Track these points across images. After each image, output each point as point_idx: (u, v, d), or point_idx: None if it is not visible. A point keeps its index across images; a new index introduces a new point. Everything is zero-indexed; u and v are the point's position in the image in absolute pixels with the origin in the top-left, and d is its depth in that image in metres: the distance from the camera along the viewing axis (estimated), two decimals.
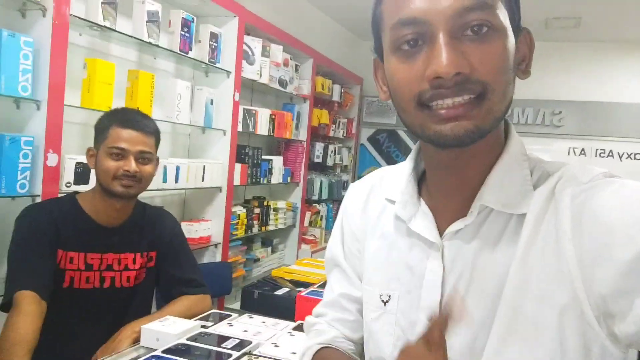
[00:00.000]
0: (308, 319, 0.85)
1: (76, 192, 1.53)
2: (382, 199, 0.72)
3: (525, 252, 0.55)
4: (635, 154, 4.34)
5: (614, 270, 0.48)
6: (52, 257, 1.37)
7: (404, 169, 0.69)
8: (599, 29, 4.17)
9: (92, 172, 1.90)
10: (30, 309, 1.23)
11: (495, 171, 0.60)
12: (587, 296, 0.51)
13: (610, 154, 4.41)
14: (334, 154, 4.30)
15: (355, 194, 0.78)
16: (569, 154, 4.52)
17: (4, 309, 1.30)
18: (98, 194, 1.47)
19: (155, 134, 1.52)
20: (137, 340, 1.33)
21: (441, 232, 0.63)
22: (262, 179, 3.15)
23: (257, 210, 3.16)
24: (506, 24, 0.55)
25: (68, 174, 1.86)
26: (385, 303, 0.67)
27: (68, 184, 1.86)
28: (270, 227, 3.32)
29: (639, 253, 0.47)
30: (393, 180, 0.71)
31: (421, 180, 0.69)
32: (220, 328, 1.40)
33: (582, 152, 4.50)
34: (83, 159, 1.89)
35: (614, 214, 0.50)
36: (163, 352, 1.21)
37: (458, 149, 0.57)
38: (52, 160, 1.74)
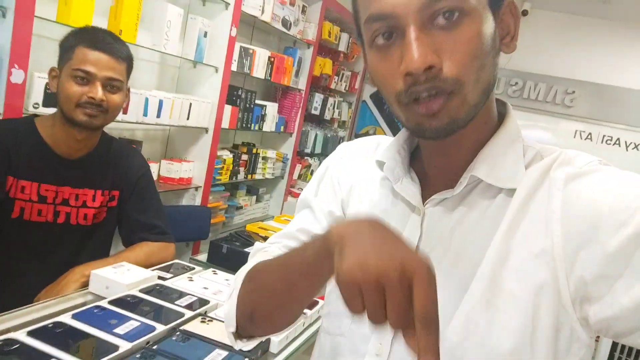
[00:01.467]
0: (257, 244, 0.78)
1: (35, 116, 1.38)
2: (373, 164, 0.70)
3: (511, 225, 0.55)
4: None
5: (599, 254, 0.48)
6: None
7: (399, 135, 0.69)
8: (629, 8, 3.91)
9: None
10: None
11: (488, 147, 0.60)
12: (566, 277, 0.51)
13: (617, 143, 4.26)
14: (333, 108, 4.11)
15: (345, 153, 0.77)
16: (575, 136, 4.36)
17: None
18: (58, 121, 1.33)
19: (128, 60, 1.36)
20: (85, 285, 1.22)
21: (426, 200, 0.63)
22: (253, 124, 2.99)
23: (244, 157, 3.02)
24: (480, 4, 0.53)
25: (36, 95, 1.70)
26: None
27: (36, 105, 1.70)
28: (257, 176, 3.19)
29: (626, 239, 0.47)
30: (387, 146, 0.70)
31: (415, 151, 0.69)
32: (179, 282, 1.29)
33: (589, 137, 4.34)
34: None
35: (605, 199, 0.50)
36: (110, 302, 1.10)
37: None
38: (18, 76, 1.58)
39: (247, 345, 0.70)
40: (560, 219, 0.52)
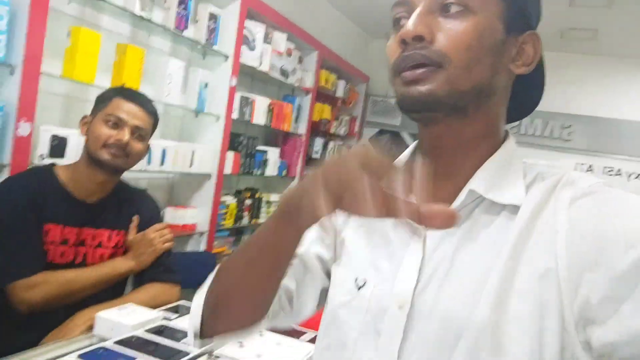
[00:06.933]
0: None
1: (53, 164, 1.44)
2: None
3: (516, 245, 0.54)
4: None
5: (606, 275, 0.48)
6: (40, 232, 1.32)
7: (398, 159, 0.70)
8: (615, 43, 4.03)
9: (69, 146, 1.81)
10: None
11: (489, 163, 0.60)
12: (570, 299, 0.50)
13: (619, 173, 4.28)
14: (334, 152, 4.18)
15: None
16: (575, 169, 4.38)
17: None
18: (82, 165, 1.40)
19: (155, 117, 1.48)
20: (91, 328, 1.21)
21: None
22: (255, 169, 3.04)
23: (248, 202, 3.04)
24: (489, 12, 0.57)
25: (42, 146, 1.75)
26: (359, 288, 0.64)
27: (42, 156, 1.75)
28: (261, 220, 3.20)
29: (635, 261, 0.46)
30: None
31: None
32: (184, 322, 1.28)
33: (590, 169, 4.36)
34: (60, 131, 1.80)
35: (611, 220, 0.50)
36: (115, 342, 1.10)
37: (434, 126, 0.60)
38: (24, 129, 1.63)
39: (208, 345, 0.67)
40: (565, 238, 0.52)
